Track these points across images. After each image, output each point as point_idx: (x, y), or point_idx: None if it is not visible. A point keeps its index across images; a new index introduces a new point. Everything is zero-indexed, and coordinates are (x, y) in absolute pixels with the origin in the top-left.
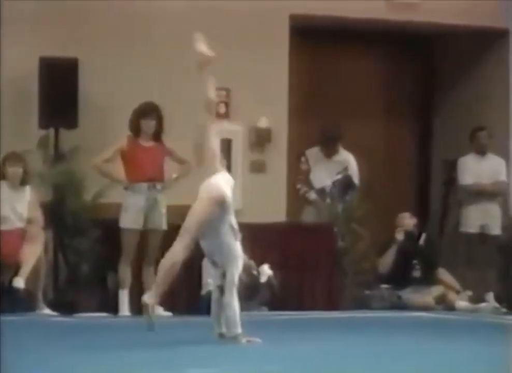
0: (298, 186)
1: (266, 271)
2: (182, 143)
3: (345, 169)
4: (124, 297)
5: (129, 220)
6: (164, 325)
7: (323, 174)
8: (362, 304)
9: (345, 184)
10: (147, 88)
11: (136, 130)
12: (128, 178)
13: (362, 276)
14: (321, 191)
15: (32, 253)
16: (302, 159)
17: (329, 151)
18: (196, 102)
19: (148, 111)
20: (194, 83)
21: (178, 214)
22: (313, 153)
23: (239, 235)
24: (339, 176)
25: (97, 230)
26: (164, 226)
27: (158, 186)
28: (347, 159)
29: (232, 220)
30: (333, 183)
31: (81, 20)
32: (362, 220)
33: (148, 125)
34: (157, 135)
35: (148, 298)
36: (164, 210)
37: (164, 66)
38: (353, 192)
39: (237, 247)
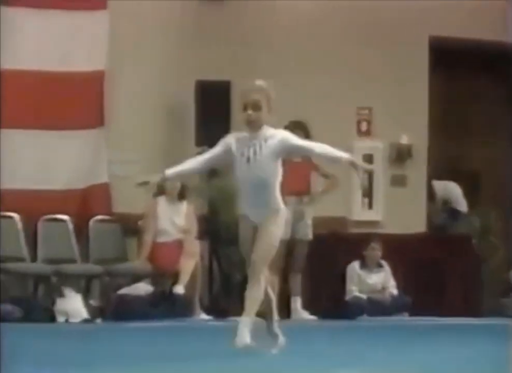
0: None
1: None
2: None
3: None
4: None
5: None
6: (309, 328)
7: None
8: (498, 311)
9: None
10: (297, 107)
11: None
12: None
13: (498, 285)
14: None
15: (190, 262)
16: None
17: None
18: (341, 120)
19: (296, 129)
20: (337, 102)
21: (323, 225)
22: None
23: None
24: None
25: None
26: (310, 236)
27: (305, 199)
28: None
29: None
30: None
31: (234, 45)
32: (498, 233)
33: None
34: None
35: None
36: (309, 221)
37: (313, 88)
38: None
39: None
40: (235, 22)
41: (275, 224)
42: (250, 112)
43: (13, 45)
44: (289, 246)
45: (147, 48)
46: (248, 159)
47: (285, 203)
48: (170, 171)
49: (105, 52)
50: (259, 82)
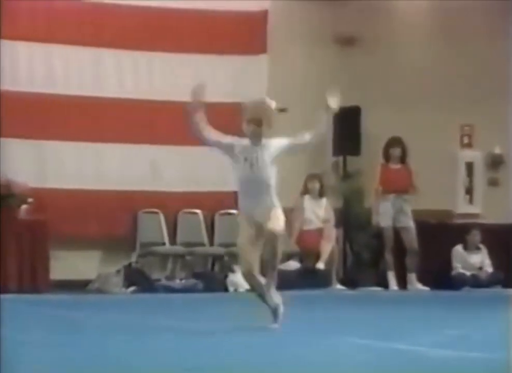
0: None
1: None
2: (423, 165)
3: None
4: (391, 277)
5: (383, 221)
6: (421, 297)
7: None
8: None
9: None
10: (403, 125)
11: (386, 156)
12: (382, 190)
13: None
14: None
15: (328, 245)
16: None
17: None
18: (437, 135)
19: (394, 143)
20: (436, 119)
21: (433, 216)
22: None
23: None
24: None
25: (372, 228)
26: (411, 224)
27: (404, 196)
28: None
29: None
30: None
31: (361, 75)
32: None
33: (395, 152)
34: (402, 160)
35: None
36: (409, 213)
37: (412, 110)
38: None
39: None
40: (364, 61)
41: (277, 210)
42: (252, 127)
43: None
44: (395, 232)
45: (298, 84)
46: (251, 165)
47: (387, 199)
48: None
49: (265, 87)
50: (262, 99)
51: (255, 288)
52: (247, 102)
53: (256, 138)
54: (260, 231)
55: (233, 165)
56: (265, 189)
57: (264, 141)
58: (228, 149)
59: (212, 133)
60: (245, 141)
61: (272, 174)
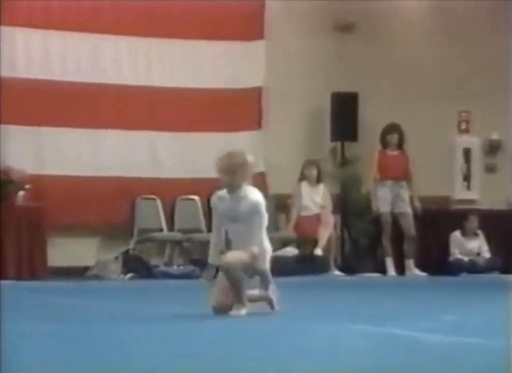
0: None
1: None
2: (421, 151)
3: None
4: (389, 263)
5: (381, 206)
6: (419, 282)
7: None
8: None
9: None
10: (401, 112)
11: (383, 143)
12: (380, 177)
13: None
14: None
15: (326, 231)
16: None
17: None
18: (435, 121)
19: (391, 129)
20: (433, 105)
21: (432, 202)
22: None
23: None
24: None
25: (370, 215)
26: (408, 210)
27: (402, 182)
28: None
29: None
30: None
31: (360, 61)
32: None
33: (392, 139)
34: (399, 146)
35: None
36: (406, 199)
37: (409, 97)
38: None
39: None
40: (362, 47)
41: (254, 250)
42: (225, 178)
43: (190, 68)
44: (393, 218)
45: (297, 70)
46: (230, 216)
47: (385, 185)
48: (212, 260)
49: (263, 73)
50: (236, 150)
51: (232, 279)
52: (221, 155)
53: (230, 188)
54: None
55: (220, 219)
56: (247, 239)
57: (244, 193)
58: (219, 214)
59: (216, 226)
60: (225, 194)
61: (252, 223)
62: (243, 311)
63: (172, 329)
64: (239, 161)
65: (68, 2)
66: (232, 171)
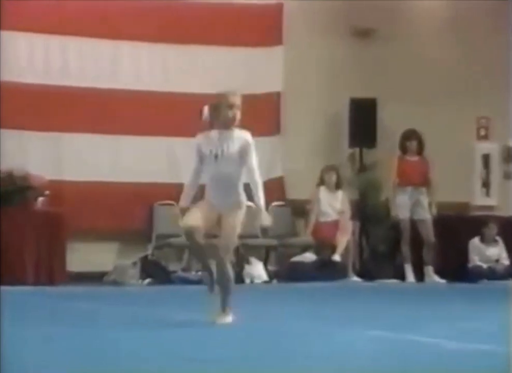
0: None
1: None
2: (440, 157)
3: None
4: (408, 269)
5: (401, 213)
6: (438, 289)
7: None
8: None
9: None
10: (419, 118)
11: (403, 149)
12: (399, 183)
13: None
14: None
15: (344, 237)
16: None
17: None
18: (453, 127)
19: (410, 135)
20: (452, 111)
21: (451, 208)
22: None
23: None
24: None
25: (389, 221)
26: (428, 216)
27: (421, 189)
28: None
29: None
30: None
31: (378, 67)
32: None
33: (411, 145)
34: (419, 152)
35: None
36: (426, 205)
37: (428, 103)
38: None
39: None
40: (381, 53)
41: (237, 217)
42: (231, 112)
43: (200, 75)
44: (412, 225)
45: (315, 76)
46: (216, 156)
47: (404, 191)
48: (182, 203)
49: (281, 79)
50: (235, 89)
51: (194, 248)
52: (222, 91)
53: (232, 124)
54: (218, 222)
55: (203, 161)
56: (228, 182)
57: (237, 133)
58: (201, 155)
59: (194, 168)
60: (213, 133)
61: (238, 167)
62: (228, 319)
63: (188, 334)
64: (239, 100)
65: (84, 8)
66: (239, 107)
